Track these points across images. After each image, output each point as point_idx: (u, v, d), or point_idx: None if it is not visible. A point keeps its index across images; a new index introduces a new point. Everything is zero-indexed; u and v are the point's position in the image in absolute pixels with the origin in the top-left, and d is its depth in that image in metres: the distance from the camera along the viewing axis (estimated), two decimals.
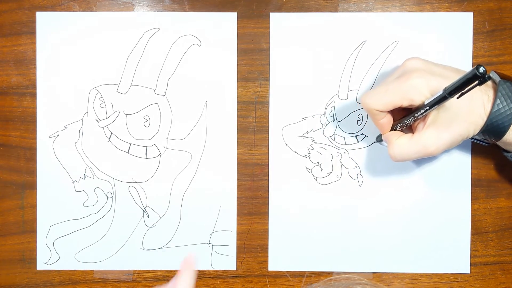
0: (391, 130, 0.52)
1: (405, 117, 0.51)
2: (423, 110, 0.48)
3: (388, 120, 0.52)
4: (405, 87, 0.48)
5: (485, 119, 0.48)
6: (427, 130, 0.49)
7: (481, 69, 0.42)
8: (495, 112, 0.47)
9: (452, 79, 0.46)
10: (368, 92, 0.52)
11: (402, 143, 0.50)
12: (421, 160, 0.57)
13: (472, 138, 0.51)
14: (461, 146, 0.57)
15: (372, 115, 0.52)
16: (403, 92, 0.49)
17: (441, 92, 0.46)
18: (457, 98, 0.45)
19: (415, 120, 0.50)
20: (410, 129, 0.52)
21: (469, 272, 0.57)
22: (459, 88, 0.44)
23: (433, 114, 0.49)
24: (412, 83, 0.48)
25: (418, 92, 0.48)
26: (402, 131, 0.52)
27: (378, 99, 0.50)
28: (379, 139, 0.56)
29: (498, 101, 0.47)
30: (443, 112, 0.48)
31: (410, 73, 0.49)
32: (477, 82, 0.43)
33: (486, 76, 0.42)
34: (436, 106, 0.47)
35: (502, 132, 0.48)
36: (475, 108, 0.48)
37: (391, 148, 0.51)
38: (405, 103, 0.49)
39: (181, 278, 0.45)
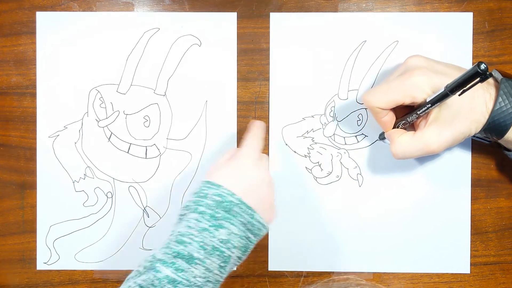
0: (394, 127, 0.53)
1: (407, 115, 0.51)
2: (425, 108, 0.48)
3: (391, 117, 0.52)
4: (407, 85, 0.49)
5: (487, 117, 0.48)
6: (429, 128, 0.49)
7: (482, 66, 0.42)
8: (497, 110, 0.47)
9: (454, 76, 0.46)
10: (370, 90, 0.52)
11: (404, 141, 0.50)
12: (421, 160, 0.57)
13: (473, 136, 0.51)
14: (461, 146, 0.57)
15: (374, 113, 0.52)
16: (405, 89, 0.49)
17: (442, 90, 0.46)
18: (459, 95, 0.45)
19: (417, 118, 0.50)
20: (412, 126, 0.53)
21: (469, 272, 0.57)
22: (460, 85, 0.44)
23: (435, 112, 0.49)
24: (414, 81, 0.48)
25: (420, 89, 0.48)
26: (405, 129, 0.52)
27: (380, 97, 0.50)
28: (382, 136, 0.56)
29: (500, 99, 0.47)
30: (445, 110, 0.48)
31: (412, 71, 0.49)
32: (478, 79, 0.43)
33: (488, 73, 0.42)
34: (438, 103, 0.47)
35: (504, 130, 0.48)
36: (477, 106, 0.48)
37: (393, 146, 0.51)
38: (407, 101, 0.49)
39: (251, 132, 0.53)
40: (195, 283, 0.44)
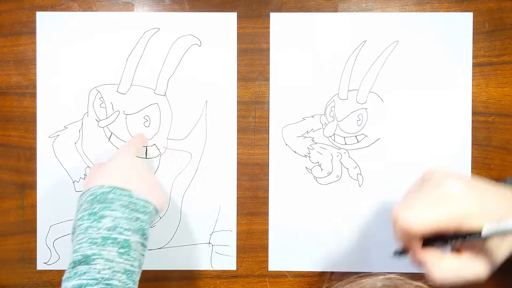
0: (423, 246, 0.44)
1: (451, 240, 0.42)
2: (482, 238, 0.41)
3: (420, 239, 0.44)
4: (456, 212, 0.41)
5: None
6: (481, 259, 0.43)
7: None
8: None
9: (501, 201, 0.41)
10: (403, 204, 0.43)
11: (450, 268, 0.43)
12: (421, 160, 0.57)
13: None
14: (461, 146, 0.57)
15: (408, 235, 0.43)
16: (453, 217, 0.41)
17: None
18: None
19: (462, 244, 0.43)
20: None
21: None
22: None
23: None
24: (465, 208, 0.41)
25: (472, 216, 0.41)
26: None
27: (422, 218, 0.42)
28: (399, 253, 0.47)
29: None
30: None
31: (459, 198, 0.42)
32: None
33: None
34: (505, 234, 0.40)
35: None
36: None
37: (436, 272, 0.43)
38: (450, 227, 0.42)
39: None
40: (103, 277, 0.44)
